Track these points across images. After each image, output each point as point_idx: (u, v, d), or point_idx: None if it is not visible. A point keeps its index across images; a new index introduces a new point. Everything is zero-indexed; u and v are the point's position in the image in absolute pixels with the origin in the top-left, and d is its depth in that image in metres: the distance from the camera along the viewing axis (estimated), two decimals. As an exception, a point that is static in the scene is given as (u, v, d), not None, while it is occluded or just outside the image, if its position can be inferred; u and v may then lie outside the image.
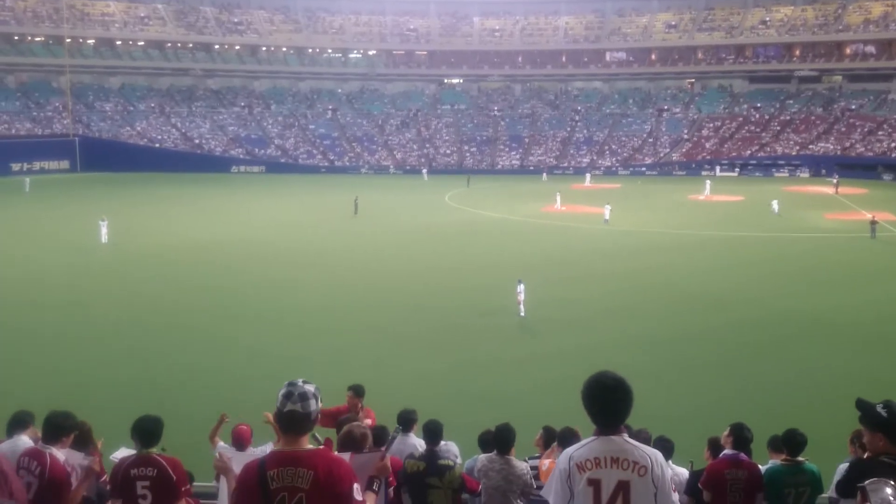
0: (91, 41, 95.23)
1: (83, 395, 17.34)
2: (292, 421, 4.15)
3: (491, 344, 23.00)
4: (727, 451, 7.66)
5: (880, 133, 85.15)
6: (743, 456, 7.52)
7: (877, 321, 25.27)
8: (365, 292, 29.30)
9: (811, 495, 7.31)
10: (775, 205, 52.25)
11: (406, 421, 8.66)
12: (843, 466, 7.42)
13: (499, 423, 7.69)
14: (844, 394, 16.87)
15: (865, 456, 4.76)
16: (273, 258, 35.83)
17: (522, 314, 25.33)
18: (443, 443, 7.81)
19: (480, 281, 30.44)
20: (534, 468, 8.03)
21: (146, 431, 6.53)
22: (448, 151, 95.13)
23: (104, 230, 39.85)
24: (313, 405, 4.17)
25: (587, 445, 4.08)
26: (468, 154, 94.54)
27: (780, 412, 15.76)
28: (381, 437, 7.86)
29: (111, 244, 39.00)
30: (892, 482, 2.97)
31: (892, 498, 2.88)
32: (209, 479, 8.94)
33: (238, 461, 8.35)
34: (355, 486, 4.25)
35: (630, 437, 4.16)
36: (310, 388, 4.19)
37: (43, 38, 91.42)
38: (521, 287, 25.57)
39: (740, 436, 7.61)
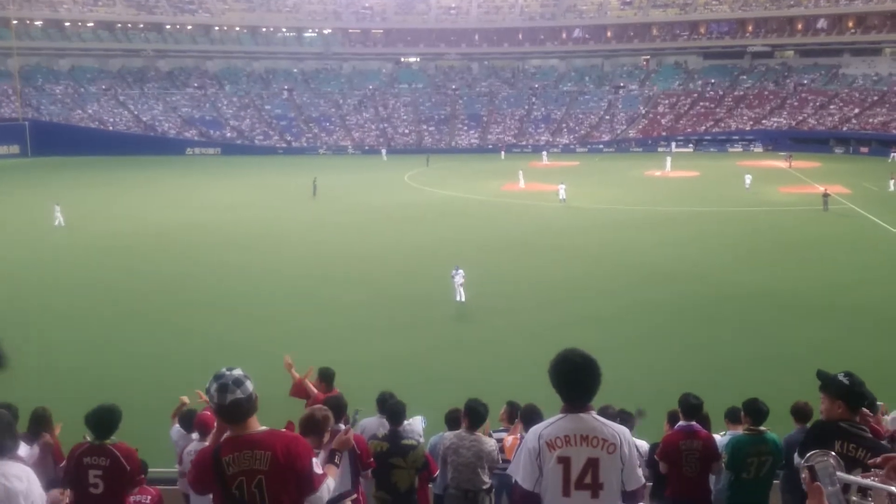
0: (39, 23, 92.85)
1: (36, 382, 16.99)
2: (238, 409, 4.06)
3: (450, 324, 23.06)
4: (681, 423, 7.78)
5: (832, 107, 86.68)
6: (697, 426, 7.65)
7: (829, 293, 25.78)
8: (323, 276, 29.08)
9: (772, 464, 7.44)
10: (748, 179, 52.37)
11: (384, 403, 8.63)
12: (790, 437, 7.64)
13: (469, 400, 7.70)
14: (800, 364, 17.25)
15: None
16: (230, 242, 35.35)
17: (462, 299, 24.35)
18: (406, 421, 7.82)
19: (441, 262, 30.30)
20: (498, 440, 8.10)
21: (102, 423, 6.39)
22: (406, 131, 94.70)
23: (58, 214, 39.19)
24: (250, 386, 4.09)
25: (556, 423, 4.06)
26: (427, 133, 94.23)
27: (737, 384, 15.98)
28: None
29: (66, 228, 38.31)
30: (833, 453, 2.97)
31: (835, 470, 2.88)
32: (167, 465, 8.85)
33: (199, 448, 8.27)
34: (314, 460, 4.23)
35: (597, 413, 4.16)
36: (238, 372, 4.11)
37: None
38: (460, 272, 24.55)
39: (686, 403, 7.77)
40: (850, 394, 4.56)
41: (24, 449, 6.97)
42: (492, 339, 21.49)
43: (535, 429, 4.12)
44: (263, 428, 4.16)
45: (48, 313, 24.11)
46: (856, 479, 2.91)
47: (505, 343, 20.96)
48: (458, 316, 23.78)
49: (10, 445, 4.31)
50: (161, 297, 25.99)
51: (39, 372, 18.52)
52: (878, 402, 7.53)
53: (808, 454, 2.94)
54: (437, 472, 7.56)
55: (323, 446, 5.37)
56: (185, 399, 9.29)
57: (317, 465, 4.24)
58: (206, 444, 8.19)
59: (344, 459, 5.86)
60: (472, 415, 7.54)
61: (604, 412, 7.32)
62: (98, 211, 44.81)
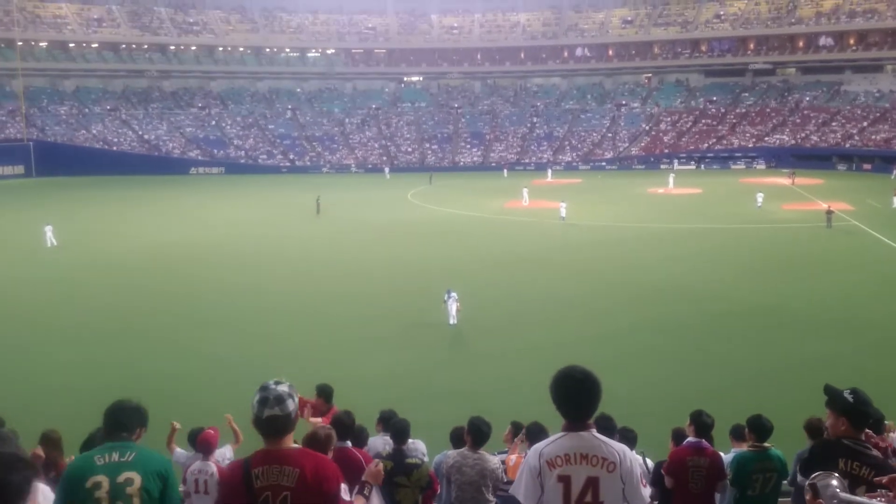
0: (43, 44, 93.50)
1: (33, 404, 16.91)
2: (274, 425, 4.03)
3: (450, 340, 23.02)
4: (690, 439, 7.75)
5: (834, 124, 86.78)
6: (705, 443, 7.62)
7: (833, 309, 25.73)
8: (326, 292, 29.08)
9: (777, 481, 7.41)
10: (759, 197, 51.35)
11: (387, 421, 8.61)
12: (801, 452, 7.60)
13: (472, 417, 7.64)
14: (803, 380, 17.19)
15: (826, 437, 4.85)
16: (233, 261, 35.37)
17: (453, 322, 23.93)
18: (410, 441, 7.78)
19: (443, 279, 30.22)
20: (503, 462, 8.05)
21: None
22: (409, 149, 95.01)
23: (49, 235, 39.22)
24: (291, 405, 4.05)
25: (556, 441, 4.07)
26: (429, 151, 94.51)
27: (740, 399, 15.91)
28: (359, 437, 7.76)
29: (61, 249, 38.15)
30: (836, 474, 2.97)
31: (838, 490, 2.88)
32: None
33: (202, 467, 8.28)
34: (343, 486, 4.18)
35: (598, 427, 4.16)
36: (283, 388, 4.06)
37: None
38: (453, 296, 24.10)
39: (700, 421, 7.74)
40: (853, 411, 4.56)
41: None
42: (493, 354, 21.46)
43: (537, 447, 4.13)
44: (296, 445, 4.15)
45: (47, 332, 24.03)
46: (860, 499, 2.91)
47: (507, 359, 20.92)
48: (458, 332, 23.72)
49: None
50: (162, 313, 26.00)
51: (40, 390, 18.52)
52: (886, 422, 7.52)
53: (812, 475, 2.95)
54: (453, 483, 7.49)
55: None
56: (176, 424, 9.32)
57: (345, 492, 4.18)
58: (209, 462, 8.25)
59: (376, 495, 5.79)
60: (476, 433, 7.49)
61: (605, 424, 7.31)
62: (101, 230, 44.88)
